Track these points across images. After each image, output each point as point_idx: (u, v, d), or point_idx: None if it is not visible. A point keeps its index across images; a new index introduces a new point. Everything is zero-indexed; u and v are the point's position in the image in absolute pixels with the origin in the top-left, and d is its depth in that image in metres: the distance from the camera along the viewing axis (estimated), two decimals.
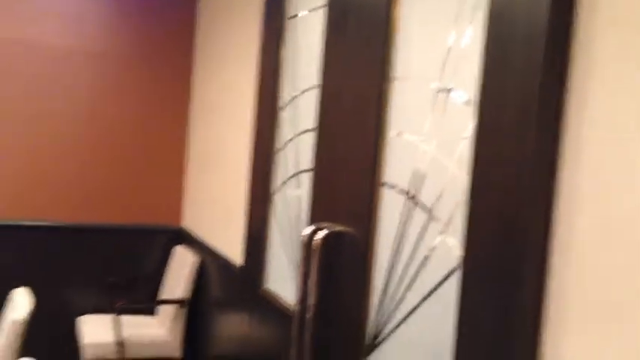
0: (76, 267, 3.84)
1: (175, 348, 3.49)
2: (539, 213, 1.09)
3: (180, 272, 3.64)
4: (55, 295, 3.70)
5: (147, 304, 3.87)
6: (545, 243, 1.09)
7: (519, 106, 1.11)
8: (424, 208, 1.44)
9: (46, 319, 2.74)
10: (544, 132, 1.08)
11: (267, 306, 2.33)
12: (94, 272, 3.86)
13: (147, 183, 4.04)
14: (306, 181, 2.06)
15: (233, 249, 2.95)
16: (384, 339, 1.56)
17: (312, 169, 2.00)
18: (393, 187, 1.57)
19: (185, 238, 3.98)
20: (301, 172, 2.12)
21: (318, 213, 1.91)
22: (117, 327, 3.36)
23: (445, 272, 1.34)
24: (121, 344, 3.35)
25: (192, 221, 3.95)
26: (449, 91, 1.39)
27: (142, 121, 4.00)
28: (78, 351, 3.44)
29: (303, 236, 1.76)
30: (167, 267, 3.93)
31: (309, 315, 1.73)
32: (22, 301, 2.51)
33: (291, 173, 2.22)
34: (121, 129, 3.95)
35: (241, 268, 2.74)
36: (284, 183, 2.28)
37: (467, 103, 1.32)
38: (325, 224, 1.77)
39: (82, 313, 3.70)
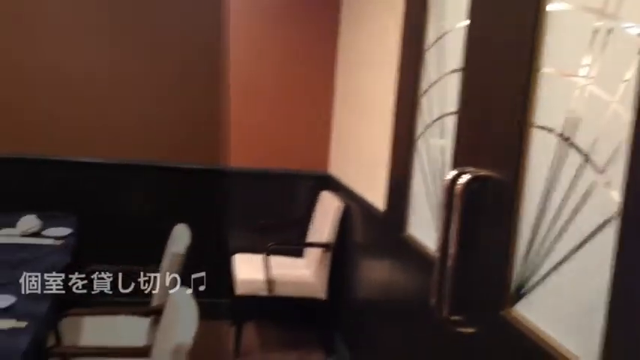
0: (231, 208, 4.09)
1: (320, 289, 3.60)
2: None
3: (325, 217, 3.73)
4: (211, 233, 3.97)
5: (295, 246, 4.03)
6: None
7: None
8: (579, 151, 1.31)
9: (203, 254, 2.95)
10: None
11: (408, 252, 2.31)
12: (247, 214, 4.07)
13: (297, 131, 4.16)
14: (450, 125, 1.97)
15: (376, 195, 2.94)
16: (529, 290, 1.47)
17: (456, 112, 1.91)
18: (544, 128, 1.45)
19: (331, 183, 4.05)
20: (446, 115, 2.04)
21: (462, 157, 1.83)
22: (267, 266, 3.53)
23: (601, 221, 1.22)
24: (270, 282, 3.53)
25: (338, 167, 4.00)
26: (613, 24, 1.23)
27: (292, 71, 4.10)
28: (231, 286, 3.68)
29: (446, 181, 1.69)
30: (314, 211, 4.04)
31: (450, 263, 1.67)
32: (181, 236, 2.71)
33: (435, 117, 2.14)
34: (273, 79, 4.09)
35: (384, 213, 2.74)
36: (428, 127, 2.21)
37: (634, 37, 1.16)
38: (469, 168, 1.69)
39: (236, 252, 3.95)
